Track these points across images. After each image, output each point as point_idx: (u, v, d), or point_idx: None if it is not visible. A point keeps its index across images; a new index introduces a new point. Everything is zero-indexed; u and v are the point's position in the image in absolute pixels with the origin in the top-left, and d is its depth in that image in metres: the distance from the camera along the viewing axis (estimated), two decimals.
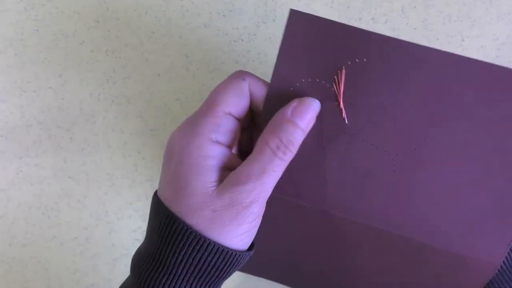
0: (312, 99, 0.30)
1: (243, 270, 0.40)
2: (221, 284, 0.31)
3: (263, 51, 0.44)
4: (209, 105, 0.30)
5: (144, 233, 0.44)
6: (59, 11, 0.44)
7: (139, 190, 0.44)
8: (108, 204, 0.44)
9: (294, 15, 0.28)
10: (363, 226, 0.33)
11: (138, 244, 0.44)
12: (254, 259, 0.34)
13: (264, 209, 0.30)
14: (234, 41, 0.44)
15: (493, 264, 0.32)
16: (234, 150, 0.32)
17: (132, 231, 0.44)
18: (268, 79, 0.33)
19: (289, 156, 0.29)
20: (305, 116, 0.29)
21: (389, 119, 0.30)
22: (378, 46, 0.28)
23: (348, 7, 0.43)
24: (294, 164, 0.30)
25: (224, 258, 0.29)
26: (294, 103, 0.30)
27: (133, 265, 0.31)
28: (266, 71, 0.44)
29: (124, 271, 0.45)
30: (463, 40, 0.43)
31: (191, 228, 0.29)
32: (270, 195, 0.30)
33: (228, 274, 0.31)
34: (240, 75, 0.31)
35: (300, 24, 0.29)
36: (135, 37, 0.44)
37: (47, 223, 0.44)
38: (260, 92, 0.31)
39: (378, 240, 0.33)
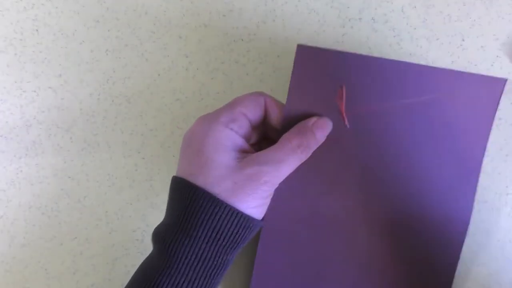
0: (328, 119, 0.36)
1: None
2: (236, 252, 0.35)
3: (263, 51, 0.44)
4: (229, 105, 0.36)
5: (144, 233, 0.44)
6: (59, 11, 0.44)
7: (139, 190, 0.44)
8: (108, 204, 0.44)
9: (301, 49, 0.35)
10: (369, 214, 0.39)
11: (138, 244, 0.44)
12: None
13: (273, 192, 0.35)
14: (234, 41, 0.44)
15: (463, 221, 0.39)
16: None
17: (132, 231, 0.44)
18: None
19: (304, 156, 0.35)
20: (321, 129, 0.36)
21: (379, 122, 0.37)
22: (368, 66, 0.36)
23: (348, 7, 0.43)
24: (309, 177, 0.38)
25: (239, 221, 0.33)
26: (314, 118, 0.36)
27: (155, 236, 0.35)
28: (266, 71, 0.44)
29: (124, 271, 0.44)
30: (463, 40, 0.43)
31: (211, 194, 0.33)
32: (288, 216, 0.38)
33: (242, 240, 0.34)
34: (259, 92, 0.37)
35: (306, 55, 0.35)
36: (135, 37, 0.44)
37: (47, 223, 0.44)
38: (274, 110, 0.36)
39: (379, 224, 0.39)
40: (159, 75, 0.44)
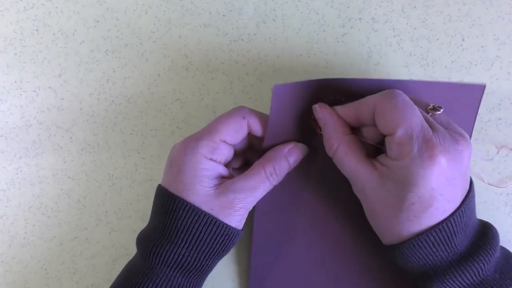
0: (303, 145, 0.39)
1: None
2: (217, 259, 0.37)
3: (263, 51, 0.44)
4: (210, 131, 0.36)
5: None
6: (59, 11, 0.44)
7: (139, 190, 0.44)
8: (108, 204, 0.44)
9: (277, 88, 0.36)
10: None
11: None
12: None
13: (248, 213, 0.37)
14: (234, 41, 0.44)
15: None
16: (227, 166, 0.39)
17: (132, 231, 0.44)
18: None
19: (276, 182, 0.37)
20: (296, 156, 0.38)
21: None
22: (338, 87, 0.37)
23: (348, 7, 0.43)
24: (294, 187, 0.40)
25: (217, 229, 0.35)
26: (290, 145, 0.38)
27: (139, 241, 0.37)
28: (266, 71, 0.44)
29: None
30: (463, 40, 0.43)
31: (190, 203, 0.35)
32: (273, 214, 0.41)
33: (222, 247, 0.36)
34: (241, 112, 0.37)
35: (282, 93, 0.36)
36: (135, 37, 0.44)
37: (47, 223, 0.44)
38: (257, 125, 0.38)
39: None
40: (159, 75, 0.44)
